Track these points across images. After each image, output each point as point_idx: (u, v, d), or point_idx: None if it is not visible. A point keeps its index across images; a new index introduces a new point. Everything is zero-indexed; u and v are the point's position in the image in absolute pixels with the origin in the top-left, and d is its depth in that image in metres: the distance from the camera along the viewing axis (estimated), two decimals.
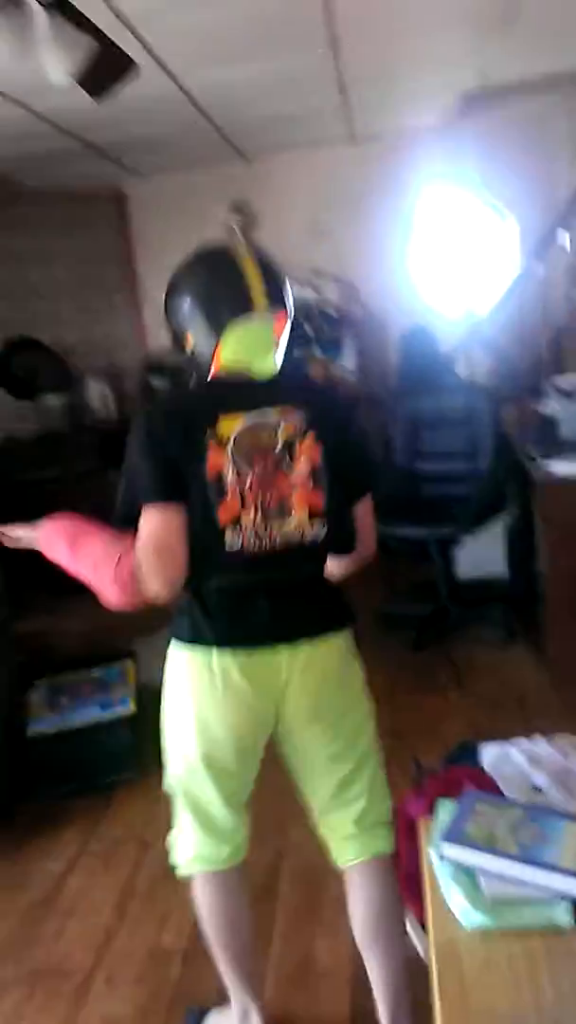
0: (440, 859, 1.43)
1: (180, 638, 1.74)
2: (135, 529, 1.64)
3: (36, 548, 1.85)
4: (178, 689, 1.76)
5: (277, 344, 1.73)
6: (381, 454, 5.19)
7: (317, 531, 1.70)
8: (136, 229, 5.64)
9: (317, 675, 1.74)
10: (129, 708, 3.24)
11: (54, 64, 2.24)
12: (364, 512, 1.83)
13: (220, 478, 1.63)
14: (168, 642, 1.79)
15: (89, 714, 3.23)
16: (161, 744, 1.85)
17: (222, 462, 1.64)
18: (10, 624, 3.63)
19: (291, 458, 1.68)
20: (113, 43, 2.43)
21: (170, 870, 2.61)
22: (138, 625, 4.53)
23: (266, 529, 1.65)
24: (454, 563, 4.52)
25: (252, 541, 1.65)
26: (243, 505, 1.64)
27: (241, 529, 1.64)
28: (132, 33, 3.05)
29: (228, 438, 1.64)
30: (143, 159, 5.09)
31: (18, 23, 2.02)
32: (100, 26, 2.33)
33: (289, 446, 1.68)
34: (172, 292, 1.75)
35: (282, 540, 1.67)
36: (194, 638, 1.72)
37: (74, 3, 2.19)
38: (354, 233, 5.44)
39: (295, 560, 1.70)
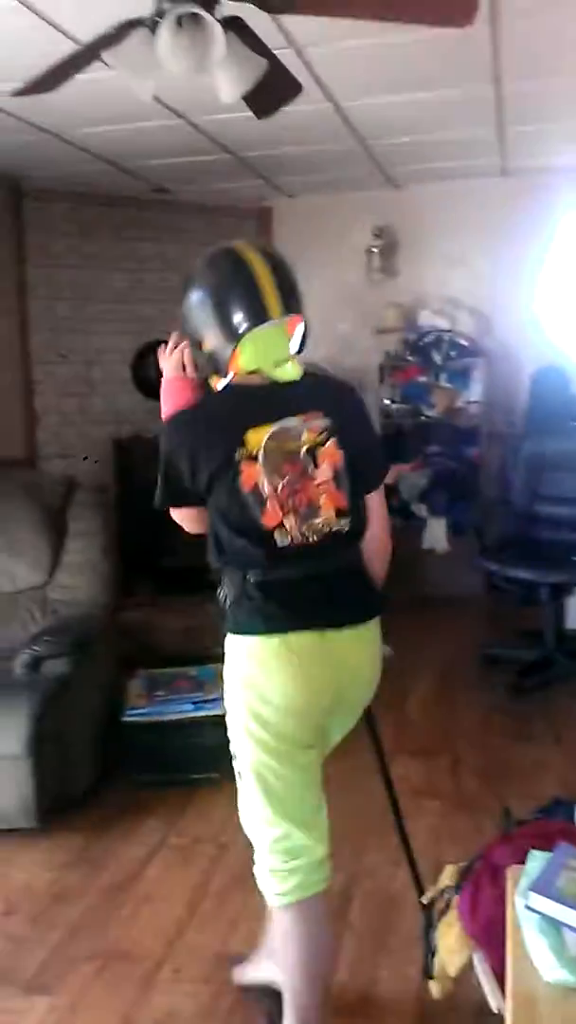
0: (527, 909, 1.40)
1: (245, 629, 1.79)
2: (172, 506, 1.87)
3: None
4: (251, 675, 1.80)
5: (291, 348, 1.81)
6: (497, 491, 5.12)
7: (343, 525, 1.80)
8: (278, 245, 5.77)
9: (358, 661, 1.84)
10: (220, 709, 3.28)
11: (226, 82, 2.32)
12: (377, 503, 1.91)
13: (256, 488, 1.75)
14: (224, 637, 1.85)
15: (182, 709, 3.30)
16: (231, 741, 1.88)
17: (255, 474, 1.75)
18: (117, 613, 3.75)
19: (315, 462, 1.78)
20: (282, 65, 2.51)
21: (243, 876, 2.66)
22: None
23: (302, 527, 1.76)
24: (565, 612, 4.40)
25: (297, 538, 1.76)
26: (283, 509, 1.75)
27: (287, 530, 1.75)
28: (299, 55, 3.14)
29: (257, 451, 1.74)
30: (291, 178, 5.20)
31: (198, 39, 2.11)
32: (271, 47, 2.41)
33: (312, 451, 1.78)
34: (188, 296, 1.81)
35: (317, 535, 1.77)
36: (263, 625, 1.77)
37: (249, 25, 2.27)
38: (493, 266, 5.41)
39: (333, 551, 1.80)
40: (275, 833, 1.84)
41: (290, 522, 1.75)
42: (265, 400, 1.80)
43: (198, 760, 3.24)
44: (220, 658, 3.60)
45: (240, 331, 1.74)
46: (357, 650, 1.83)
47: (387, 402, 5.48)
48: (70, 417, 5.42)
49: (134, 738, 3.26)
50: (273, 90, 2.57)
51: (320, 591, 1.79)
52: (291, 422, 1.77)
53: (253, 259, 1.77)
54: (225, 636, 1.85)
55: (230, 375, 1.79)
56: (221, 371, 1.80)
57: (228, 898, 2.59)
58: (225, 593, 1.83)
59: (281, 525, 1.75)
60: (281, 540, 1.75)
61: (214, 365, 1.81)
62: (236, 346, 1.75)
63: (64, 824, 2.90)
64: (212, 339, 1.78)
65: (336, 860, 1.92)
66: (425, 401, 5.42)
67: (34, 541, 3.56)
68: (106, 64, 2.23)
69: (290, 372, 1.80)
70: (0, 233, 5.03)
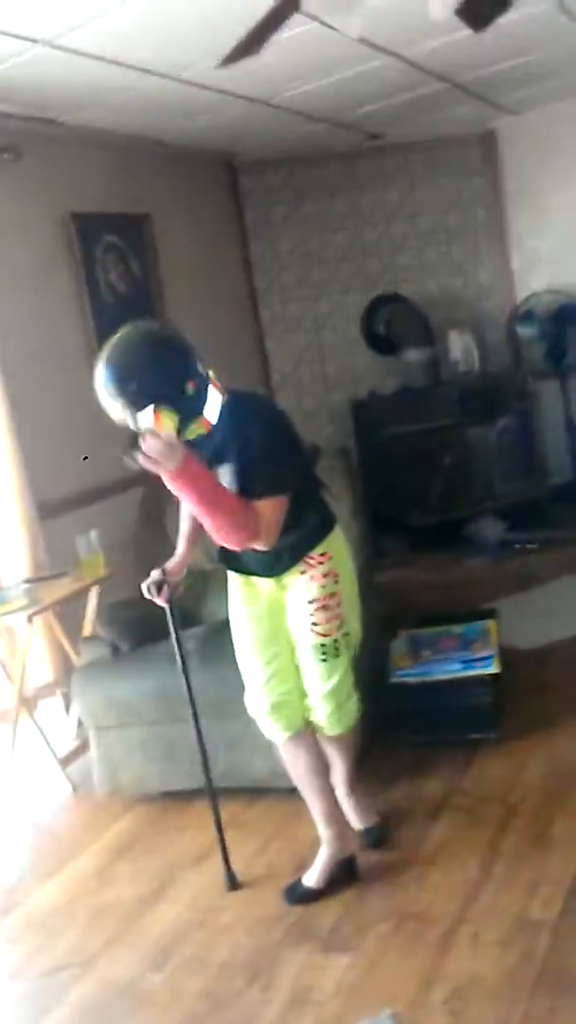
0: None
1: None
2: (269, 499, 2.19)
3: (168, 468, 2.04)
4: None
5: None
6: None
7: None
8: (507, 169, 5.40)
9: None
10: (491, 668, 3.14)
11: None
12: None
13: None
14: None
15: (450, 669, 3.19)
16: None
17: None
18: (371, 574, 3.70)
19: None
20: None
21: (539, 837, 2.49)
22: (500, 584, 4.43)
23: None
24: None
25: None
26: None
27: None
28: None
29: None
30: (514, 94, 4.82)
31: None
32: None
33: None
34: (153, 364, 2.14)
35: None
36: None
37: None
38: None
39: None
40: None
41: None
42: None
43: (473, 721, 3.12)
44: (486, 614, 3.43)
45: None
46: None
47: None
48: (306, 385, 5.44)
49: (404, 699, 3.19)
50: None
51: None
52: None
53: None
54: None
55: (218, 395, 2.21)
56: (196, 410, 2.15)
57: (523, 860, 2.45)
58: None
59: None
60: None
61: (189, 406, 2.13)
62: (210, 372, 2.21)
63: None
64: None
65: None
66: None
67: None
68: (307, 15, 2.12)
69: None
70: (219, 210, 5.13)
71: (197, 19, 2.90)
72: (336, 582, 2.38)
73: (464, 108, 4.82)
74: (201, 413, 2.19)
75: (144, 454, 2.02)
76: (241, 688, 2.52)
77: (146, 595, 2.49)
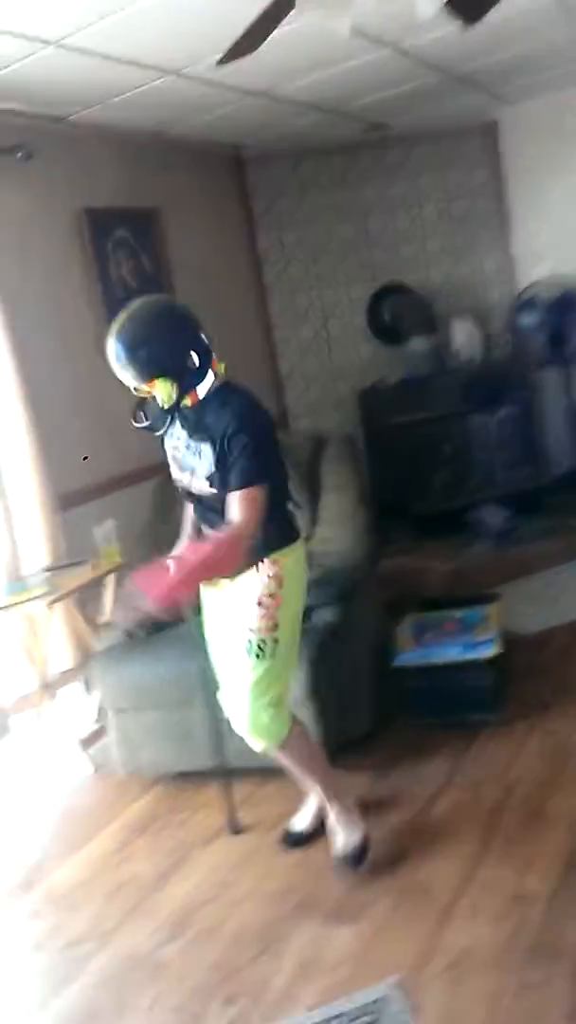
0: None
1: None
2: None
3: (162, 600, 2.20)
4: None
5: None
6: None
7: None
8: (508, 159, 5.44)
9: None
10: (491, 651, 3.24)
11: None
12: None
13: None
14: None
15: (451, 653, 3.28)
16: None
17: None
18: (377, 562, 3.80)
19: None
20: None
21: (535, 816, 2.61)
22: (502, 570, 4.53)
23: None
24: None
25: None
26: None
27: None
28: None
29: None
30: (513, 84, 4.85)
31: None
32: None
33: None
34: (164, 341, 2.31)
35: None
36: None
37: None
38: None
39: None
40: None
41: None
42: None
43: (474, 703, 3.22)
44: (487, 599, 3.54)
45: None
46: None
47: None
48: (313, 375, 5.52)
49: (407, 683, 3.30)
50: None
51: None
52: None
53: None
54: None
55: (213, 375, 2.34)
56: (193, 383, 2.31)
57: (521, 837, 2.56)
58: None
59: None
60: None
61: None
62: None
63: (348, 766, 3.00)
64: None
65: None
66: None
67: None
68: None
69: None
70: (227, 203, 5.19)
71: (200, 16, 2.96)
72: (280, 587, 2.40)
73: (465, 99, 4.85)
74: (195, 387, 2.31)
75: (134, 608, 2.29)
76: None
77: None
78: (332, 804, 2.62)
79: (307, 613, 3.18)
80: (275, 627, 2.41)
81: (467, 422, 5.33)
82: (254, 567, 2.40)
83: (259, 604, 2.40)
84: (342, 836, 2.59)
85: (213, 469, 2.31)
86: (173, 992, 2.24)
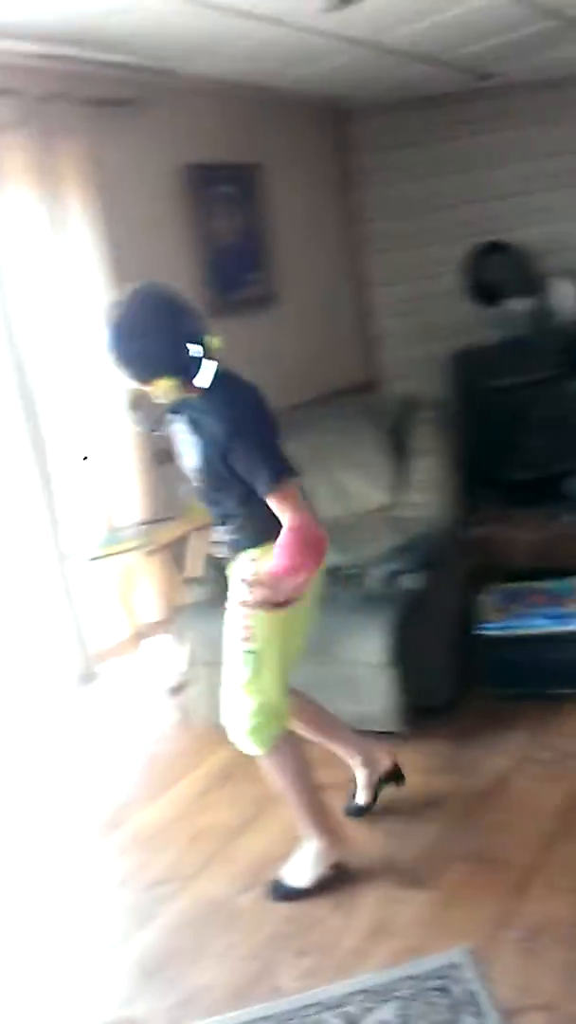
0: None
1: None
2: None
3: (293, 588, 2.12)
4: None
5: None
6: None
7: None
8: None
9: None
10: None
11: None
12: None
13: None
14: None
15: (537, 623, 3.25)
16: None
17: None
18: (465, 529, 3.76)
19: None
20: None
21: None
22: None
23: None
24: None
25: None
26: None
27: None
28: None
29: None
30: None
31: None
32: None
33: None
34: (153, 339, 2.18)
35: None
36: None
37: None
38: None
39: None
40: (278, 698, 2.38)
41: None
42: None
43: (561, 675, 3.18)
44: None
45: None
46: None
47: None
48: (407, 335, 5.43)
49: (490, 652, 3.28)
50: None
51: None
52: None
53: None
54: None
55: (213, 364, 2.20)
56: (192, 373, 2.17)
57: None
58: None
59: None
60: None
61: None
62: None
63: (428, 733, 3.02)
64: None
65: None
66: None
67: (378, 462, 3.65)
68: None
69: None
70: (326, 158, 5.10)
71: None
72: (251, 591, 2.18)
73: (572, 47, 4.61)
74: (194, 377, 2.18)
75: (260, 602, 2.12)
76: (335, 633, 2.63)
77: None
78: (308, 836, 2.44)
79: (393, 576, 3.19)
80: (249, 638, 2.28)
81: (565, 386, 5.16)
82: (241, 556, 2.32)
83: (239, 605, 2.30)
84: (292, 864, 2.46)
85: (201, 464, 2.25)
86: (248, 940, 2.32)
